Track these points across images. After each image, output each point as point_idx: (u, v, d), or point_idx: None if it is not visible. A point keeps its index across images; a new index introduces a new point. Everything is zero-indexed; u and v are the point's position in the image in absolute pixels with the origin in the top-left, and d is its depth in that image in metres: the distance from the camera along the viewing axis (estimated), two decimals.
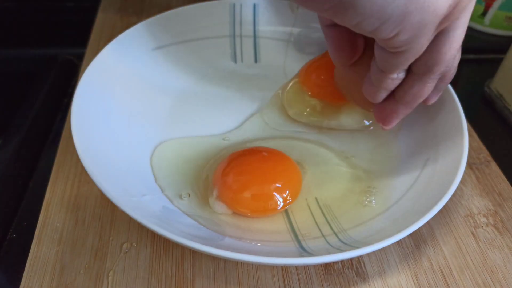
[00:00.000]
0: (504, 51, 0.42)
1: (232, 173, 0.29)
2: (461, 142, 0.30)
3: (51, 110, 0.41)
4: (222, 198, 0.29)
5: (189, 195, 0.30)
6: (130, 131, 0.34)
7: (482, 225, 0.31)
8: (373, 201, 0.31)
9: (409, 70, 0.24)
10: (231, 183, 0.29)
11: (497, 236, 0.30)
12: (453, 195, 0.32)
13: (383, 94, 0.27)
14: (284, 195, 0.29)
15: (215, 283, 0.27)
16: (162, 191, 0.30)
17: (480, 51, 0.51)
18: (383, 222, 0.29)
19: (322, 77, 0.35)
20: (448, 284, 0.28)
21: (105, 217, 0.30)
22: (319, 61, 0.36)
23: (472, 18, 0.54)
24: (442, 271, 0.28)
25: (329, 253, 0.25)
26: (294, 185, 0.30)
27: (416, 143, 0.34)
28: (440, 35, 0.22)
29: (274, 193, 0.29)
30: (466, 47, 0.51)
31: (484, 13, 0.52)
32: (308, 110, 0.36)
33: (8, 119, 0.39)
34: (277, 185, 0.29)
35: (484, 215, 0.32)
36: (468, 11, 0.21)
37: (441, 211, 0.30)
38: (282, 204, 0.29)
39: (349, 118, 0.35)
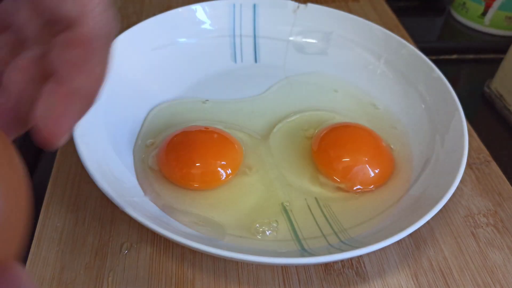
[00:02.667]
0: (504, 51, 0.42)
1: (171, 154, 0.31)
2: (461, 142, 0.30)
3: None
4: (166, 176, 0.31)
5: None
6: (131, 131, 0.34)
7: (482, 225, 0.31)
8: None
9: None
10: (172, 163, 0.31)
11: (497, 236, 0.30)
12: (453, 195, 0.31)
13: None
14: (221, 168, 0.31)
15: (215, 283, 0.27)
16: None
17: (480, 51, 0.51)
18: (383, 222, 0.29)
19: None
20: (448, 284, 0.27)
21: (105, 217, 0.30)
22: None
23: (472, 18, 0.54)
24: (442, 271, 0.28)
25: (330, 253, 0.25)
26: (231, 159, 0.32)
27: (416, 143, 0.34)
28: None
29: (210, 166, 0.31)
30: (466, 47, 0.51)
31: (484, 13, 0.52)
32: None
33: None
34: (213, 159, 0.31)
35: (484, 215, 0.32)
36: None
37: (441, 211, 0.30)
38: (224, 175, 0.31)
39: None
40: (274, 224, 0.29)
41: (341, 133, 0.34)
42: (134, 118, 0.35)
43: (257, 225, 0.29)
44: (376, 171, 0.31)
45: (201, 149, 0.31)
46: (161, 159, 0.31)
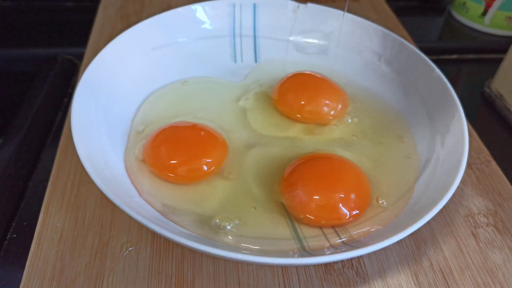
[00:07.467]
0: (504, 51, 0.42)
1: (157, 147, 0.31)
2: (461, 142, 0.30)
3: (51, 110, 0.41)
4: (151, 167, 0.31)
5: None
6: (130, 130, 0.34)
7: (482, 225, 0.31)
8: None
9: None
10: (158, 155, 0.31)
11: (497, 236, 0.30)
12: (453, 195, 0.31)
13: None
14: (204, 162, 0.31)
15: (215, 283, 0.27)
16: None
17: (480, 51, 0.51)
18: (383, 222, 0.29)
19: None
20: (448, 284, 0.27)
21: (105, 217, 0.30)
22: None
23: (472, 18, 0.54)
24: (442, 271, 0.28)
25: (330, 253, 0.25)
26: (212, 152, 0.32)
27: (416, 143, 0.34)
28: None
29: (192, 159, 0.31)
30: (466, 47, 0.52)
31: (484, 13, 0.52)
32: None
33: (8, 119, 0.39)
34: (194, 150, 0.31)
35: (484, 215, 0.32)
36: None
37: (441, 211, 0.30)
38: (206, 169, 0.31)
39: None
40: (236, 221, 0.29)
41: (307, 174, 0.30)
42: (135, 117, 0.35)
43: (217, 220, 0.29)
44: (347, 209, 0.29)
45: (182, 140, 0.32)
46: (146, 149, 0.31)
